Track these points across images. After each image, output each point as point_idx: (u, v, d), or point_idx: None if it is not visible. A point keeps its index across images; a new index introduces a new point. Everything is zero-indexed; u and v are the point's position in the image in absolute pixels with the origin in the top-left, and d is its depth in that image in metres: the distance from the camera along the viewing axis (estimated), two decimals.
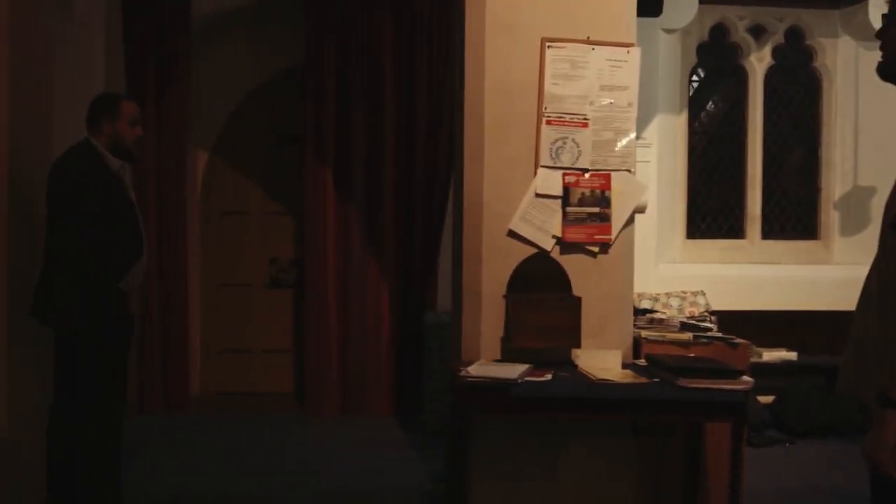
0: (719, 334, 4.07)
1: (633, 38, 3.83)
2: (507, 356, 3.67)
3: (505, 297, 3.73)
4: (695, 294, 6.58)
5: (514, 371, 3.31)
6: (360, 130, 6.29)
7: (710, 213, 7.31)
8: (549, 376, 3.35)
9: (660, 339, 3.83)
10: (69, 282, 3.57)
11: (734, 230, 7.34)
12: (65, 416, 3.70)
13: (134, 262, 3.77)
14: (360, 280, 6.28)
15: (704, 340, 3.88)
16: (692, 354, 3.80)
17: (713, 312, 6.36)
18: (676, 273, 6.93)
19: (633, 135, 3.78)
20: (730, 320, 5.85)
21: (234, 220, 6.91)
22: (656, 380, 3.36)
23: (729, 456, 3.35)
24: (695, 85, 7.29)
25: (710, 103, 7.37)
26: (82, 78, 5.75)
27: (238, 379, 6.83)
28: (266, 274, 6.92)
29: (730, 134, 7.32)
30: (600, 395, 3.23)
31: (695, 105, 7.27)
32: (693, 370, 3.27)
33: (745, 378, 3.30)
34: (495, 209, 3.74)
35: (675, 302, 6.47)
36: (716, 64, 7.29)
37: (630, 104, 3.78)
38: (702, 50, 7.18)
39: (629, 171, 3.80)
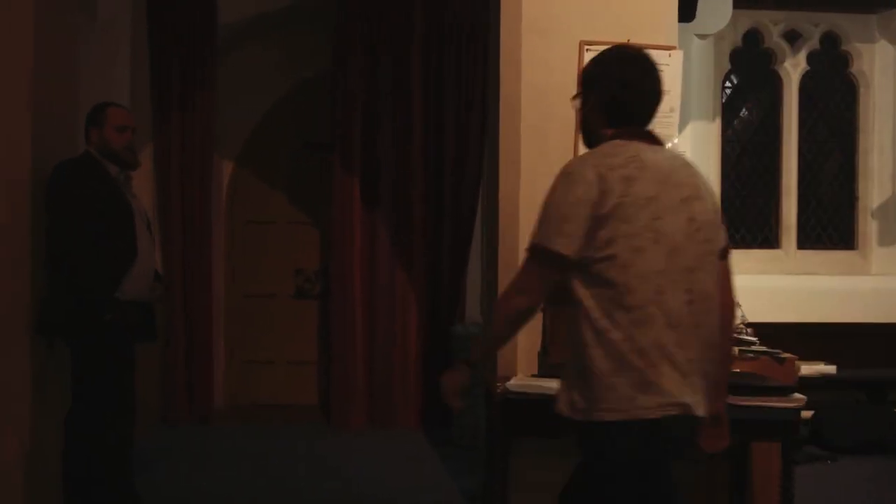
0: (764, 348, 3.92)
1: (674, 41, 3.71)
2: (546, 371, 3.53)
3: (542, 310, 3.59)
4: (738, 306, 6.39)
5: (554, 386, 3.17)
6: (388, 139, 6.18)
7: (744, 222, 7.14)
8: None
9: None
10: (65, 291, 3.56)
11: (769, 240, 7.16)
12: (77, 424, 3.65)
13: (125, 270, 3.68)
14: (387, 291, 6.16)
15: (750, 355, 3.73)
16: (737, 370, 3.65)
17: (749, 325, 6.18)
18: None
19: (675, 141, 3.65)
20: (765, 332, 5.67)
21: (260, 230, 6.81)
22: None
23: (778, 477, 3.20)
24: (728, 91, 7.12)
25: (744, 110, 7.21)
26: (106, 83, 5.66)
27: (263, 390, 6.72)
28: (291, 284, 6.82)
29: (764, 141, 7.15)
30: None
31: (728, 112, 7.11)
32: (742, 387, 3.12)
33: (797, 395, 3.15)
34: (532, 218, 3.58)
35: None
36: (750, 70, 7.13)
37: (672, 109, 3.64)
38: (735, 56, 7.03)
39: None
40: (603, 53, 2.41)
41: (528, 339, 3.61)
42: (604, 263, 2.11)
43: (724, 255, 2.34)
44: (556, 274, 2.22)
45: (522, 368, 3.59)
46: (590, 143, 2.36)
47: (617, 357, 2.11)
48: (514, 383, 3.24)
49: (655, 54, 3.63)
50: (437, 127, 6.19)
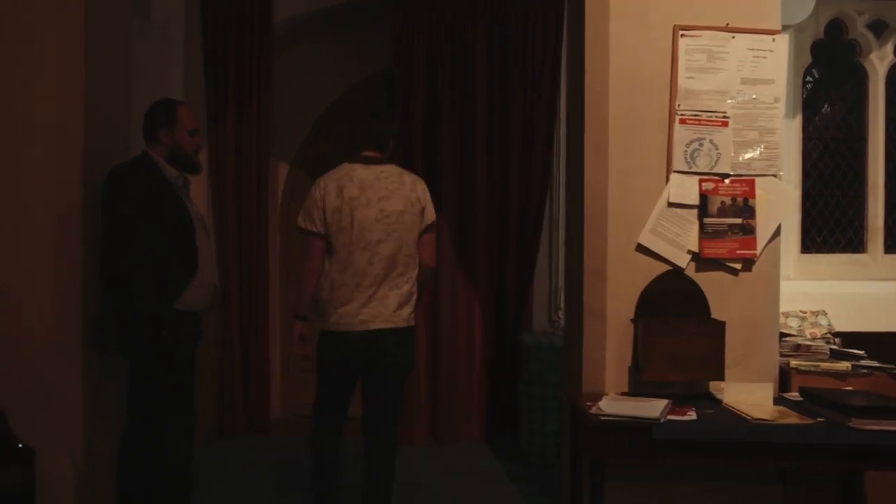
0: (875, 363, 3.55)
1: (777, 24, 3.37)
2: (637, 389, 3.23)
3: (633, 320, 3.28)
4: (815, 314, 5.99)
5: (653, 408, 2.86)
6: (450, 141, 5.89)
7: (827, 225, 6.71)
8: (692, 414, 2.89)
9: (812, 369, 3.33)
10: (122, 303, 3.32)
11: (853, 244, 6.72)
12: (133, 440, 3.45)
13: (188, 279, 3.45)
14: (451, 298, 5.87)
15: (865, 371, 3.36)
16: (849, 388, 3.30)
17: (836, 334, 5.78)
18: (790, 290, 6.29)
19: (779, 134, 3.30)
20: (850, 342, 5.27)
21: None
22: (820, 420, 2.86)
23: None
24: (809, 86, 6.70)
25: (827, 106, 6.78)
26: (160, 84, 5.51)
27: None
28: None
29: (848, 139, 6.71)
30: (759, 438, 2.76)
31: (809, 108, 6.69)
32: (868, 409, 2.77)
33: None
34: (621, 221, 3.30)
35: (793, 322, 5.89)
36: (832, 63, 6.70)
37: (776, 99, 3.31)
38: (817, 48, 6.61)
39: (775, 175, 3.33)
40: None
41: (616, 353, 3.30)
42: (330, 237, 3.56)
43: (427, 230, 3.71)
44: (318, 242, 3.59)
45: (611, 385, 3.27)
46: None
47: (328, 289, 3.56)
48: (607, 404, 2.92)
49: (757, 39, 3.32)
50: (501, 124, 5.88)
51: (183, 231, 3.44)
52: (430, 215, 3.71)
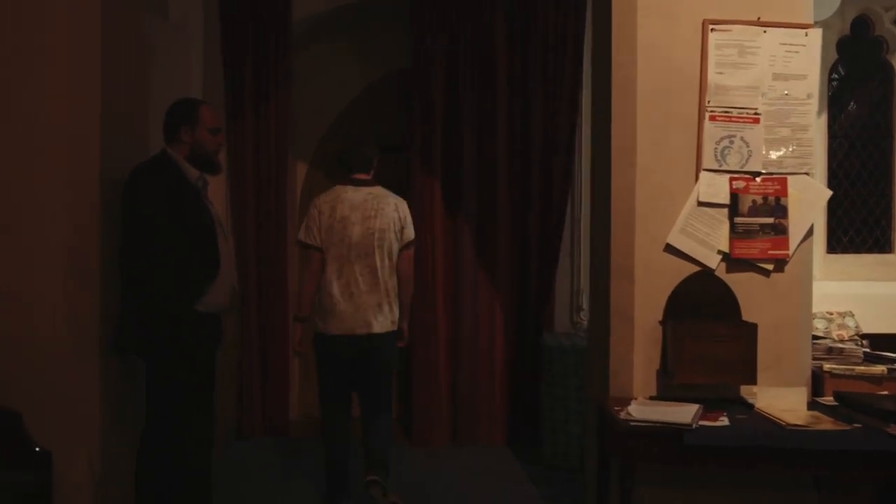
0: None
1: (809, 18, 3.28)
2: (665, 392, 3.15)
3: (662, 322, 3.20)
4: (842, 315, 5.88)
5: (684, 413, 2.78)
6: (471, 139, 5.82)
7: (854, 224, 6.59)
8: (724, 419, 2.81)
9: (847, 372, 3.23)
10: (143, 304, 3.26)
11: (880, 244, 6.60)
12: (154, 441, 3.42)
13: (208, 280, 3.40)
14: (471, 298, 5.80)
15: None
16: (884, 392, 3.20)
17: (864, 336, 5.67)
18: (816, 291, 6.16)
19: (812, 131, 3.21)
20: (879, 344, 5.16)
21: None
22: (857, 425, 2.77)
23: None
24: (835, 84, 6.59)
25: (853, 103, 6.66)
26: (178, 83, 5.47)
27: None
28: None
29: (875, 137, 6.59)
30: (793, 444, 2.67)
31: (835, 106, 6.57)
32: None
33: None
34: (650, 220, 3.22)
35: (820, 324, 5.78)
36: (858, 60, 6.58)
37: (809, 95, 3.22)
38: (843, 45, 6.49)
39: (808, 174, 3.24)
40: None
41: (643, 356, 3.22)
42: (325, 251, 4.10)
43: (406, 247, 4.24)
44: (316, 254, 4.13)
45: (638, 388, 3.19)
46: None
47: (325, 296, 4.11)
48: (636, 409, 2.85)
49: (790, 33, 3.23)
50: (522, 123, 5.80)
51: (204, 232, 3.39)
52: (410, 234, 4.24)
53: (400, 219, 4.18)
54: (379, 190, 4.22)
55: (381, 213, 4.11)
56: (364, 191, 4.16)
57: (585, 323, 5.80)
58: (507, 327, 5.77)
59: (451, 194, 5.83)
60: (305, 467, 5.19)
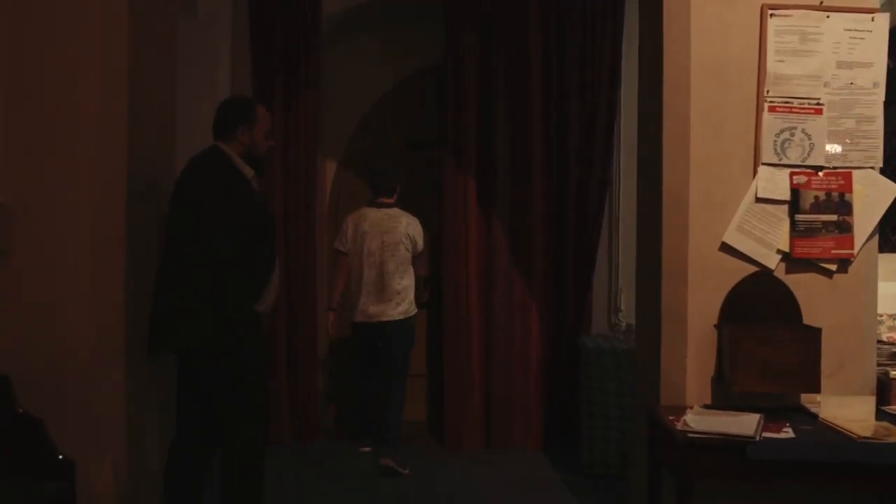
0: None
1: (875, 2, 3.08)
2: (720, 401, 2.96)
3: (717, 326, 3.01)
4: (892, 317, 5.64)
5: (746, 424, 2.60)
6: (505, 136, 5.64)
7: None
8: (788, 431, 2.62)
9: None
10: (206, 304, 3.11)
11: None
12: (253, 452, 3.30)
13: (268, 280, 3.30)
14: (506, 299, 5.62)
15: None
16: None
17: None
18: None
19: (879, 123, 3.02)
20: None
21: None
22: None
23: None
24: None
25: None
26: (206, 82, 5.36)
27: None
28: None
29: None
30: (866, 459, 2.47)
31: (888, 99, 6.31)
32: None
33: None
34: (704, 218, 3.04)
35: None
36: None
37: (876, 84, 3.04)
38: (893, 36, 6.23)
39: (874, 168, 3.04)
40: None
41: (696, 361, 3.04)
42: (351, 257, 5.12)
43: (419, 256, 5.19)
44: (345, 258, 5.15)
45: (692, 395, 3.00)
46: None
47: (351, 293, 5.14)
48: (694, 419, 2.66)
49: (855, 18, 3.04)
50: (559, 117, 5.61)
51: (267, 232, 3.31)
52: (420, 246, 5.19)
53: (410, 235, 5.10)
54: (395, 211, 5.15)
55: (396, 230, 5.07)
56: (384, 211, 5.11)
57: (624, 325, 5.61)
58: (543, 329, 5.59)
59: (484, 192, 5.67)
60: (335, 476, 5.04)
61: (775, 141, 2.99)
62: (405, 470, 4.96)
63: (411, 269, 5.13)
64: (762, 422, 2.67)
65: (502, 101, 5.64)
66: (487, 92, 5.67)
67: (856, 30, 2.99)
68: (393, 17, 6.15)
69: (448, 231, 5.70)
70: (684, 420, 2.63)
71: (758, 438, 2.51)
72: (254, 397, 3.26)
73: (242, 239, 3.13)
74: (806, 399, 2.97)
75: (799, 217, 2.99)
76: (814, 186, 2.99)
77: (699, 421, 2.63)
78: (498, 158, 5.64)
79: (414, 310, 5.16)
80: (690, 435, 2.53)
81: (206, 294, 3.08)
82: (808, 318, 2.99)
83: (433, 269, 6.19)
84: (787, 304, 2.98)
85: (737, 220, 3.01)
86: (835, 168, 3.00)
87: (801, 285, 3.01)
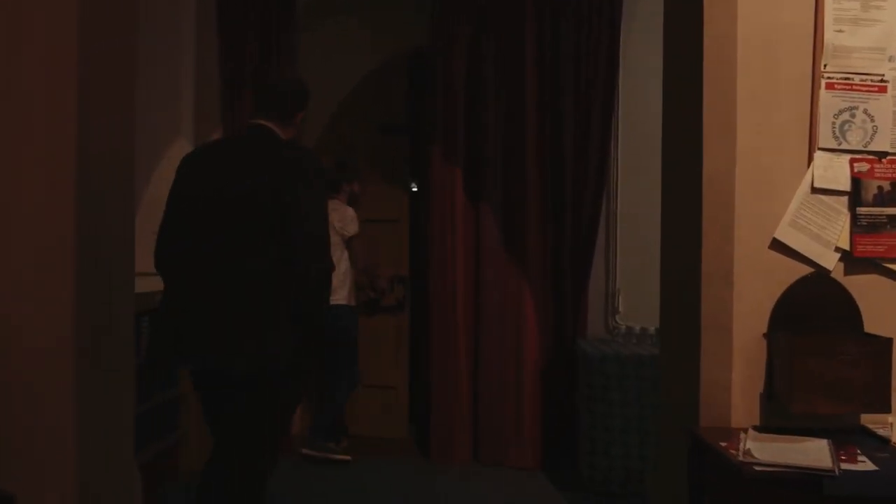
0: None
1: None
2: (772, 422, 2.57)
3: (767, 335, 2.62)
4: None
5: (817, 453, 2.21)
6: (496, 124, 5.24)
7: None
8: (865, 461, 2.23)
9: None
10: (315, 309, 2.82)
11: None
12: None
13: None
14: (497, 302, 5.20)
15: None
16: None
17: None
18: None
19: None
20: None
21: None
22: None
23: None
24: None
25: None
26: (168, 64, 4.89)
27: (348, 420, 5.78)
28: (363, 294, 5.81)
29: None
30: None
31: None
32: None
33: None
34: (752, 212, 2.64)
35: None
36: None
37: None
38: None
39: None
40: None
41: (742, 376, 2.64)
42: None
43: (349, 241, 5.24)
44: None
45: (738, 415, 2.61)
46: None
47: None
48: (758, 447, 2.26)
49: None
50: (553, 107, 5.21)
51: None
52: (351, 231, 5.24)
53: (340, 219, 5.12)
54: (335, 203, 5.11)
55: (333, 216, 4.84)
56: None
57: (623, 327, 5.23)
58: (536, 334, 5.17)
59: (474, 187, 5.26)
60: (319, 493, 4.63)
61: (834, 123, 2.61)
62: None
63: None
64: (833, 449, 2.29)
65: (492, 89, 5.27)
66: (477, 78, 5.28)
67: None
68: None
69: (435, 228, 5.31)
70: (747, 450, 2.23)
71: (837, 472, 2.11)
72: (280, 432, 2.97)
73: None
74: (868, 420, 2.59)
75: (861, 210, 2.61)
76: (877, 175, 2.61)
77: (763, 449, 2.23)
78: (488, 152, 5.27)
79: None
80: (758, 468, 2.12)
81: (289, 305, 2.72)
82: (870, 327, 2.61)
83: (417, 266, 5.81)
84: (847, 310, 2.60)
85: (790, 214, 2.62)
86: None
87: (862, 288, 2.63)
